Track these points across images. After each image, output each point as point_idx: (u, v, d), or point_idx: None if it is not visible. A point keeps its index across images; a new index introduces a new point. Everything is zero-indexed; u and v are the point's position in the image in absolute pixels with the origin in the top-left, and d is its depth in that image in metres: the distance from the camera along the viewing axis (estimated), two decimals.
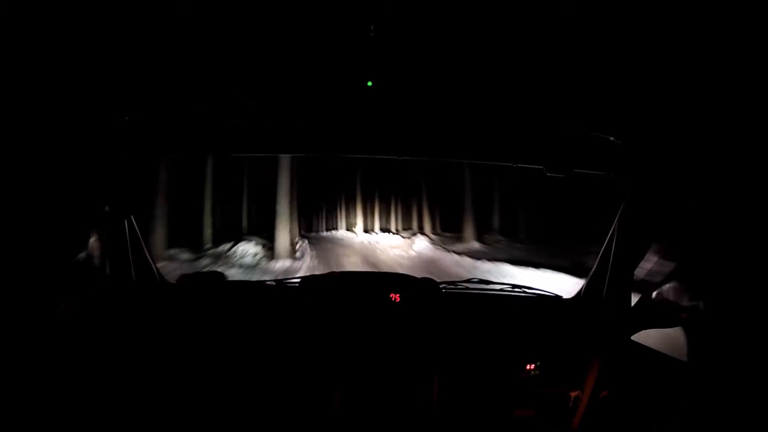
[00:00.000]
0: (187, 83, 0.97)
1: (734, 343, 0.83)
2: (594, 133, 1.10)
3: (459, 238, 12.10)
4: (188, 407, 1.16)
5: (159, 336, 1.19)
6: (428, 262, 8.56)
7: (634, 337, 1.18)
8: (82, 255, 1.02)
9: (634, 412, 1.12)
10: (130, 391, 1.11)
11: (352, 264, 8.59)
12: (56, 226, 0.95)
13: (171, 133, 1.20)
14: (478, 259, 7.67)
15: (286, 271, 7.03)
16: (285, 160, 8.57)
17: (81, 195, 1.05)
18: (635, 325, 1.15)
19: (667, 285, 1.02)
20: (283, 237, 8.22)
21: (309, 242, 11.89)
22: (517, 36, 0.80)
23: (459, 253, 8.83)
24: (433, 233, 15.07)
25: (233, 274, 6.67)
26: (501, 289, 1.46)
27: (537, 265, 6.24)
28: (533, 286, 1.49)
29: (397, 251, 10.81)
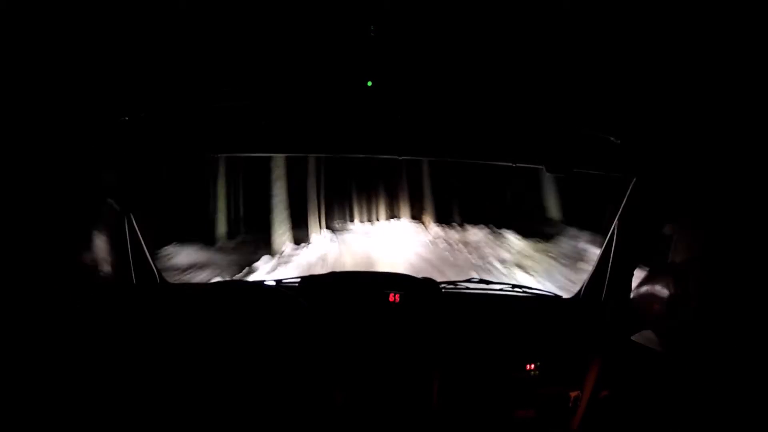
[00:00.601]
0: (187, 83, 0.97)
1: (734, 343, 0.83)
2: (594, 133, 1.10)
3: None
4: (189, 407, 1.16)
5: (159, 336, 1.19)
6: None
7: (634, 337, 1.18)
8: (81, 255, 1.02)
9: (634, 412, 1.12)
10: (130, 392, 1.11)
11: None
12: (56, 226, 0.95)
13: (171, 133, 1.20)
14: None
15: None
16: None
17: (81, 195, 1.05)
18: (635, 325, 1.15)
19: (667, 285, 1.02)
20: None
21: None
22: (517, 36, 0.80)
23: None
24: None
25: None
26: (501, 289, 1.46)
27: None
28: (533, 286, 1.49)
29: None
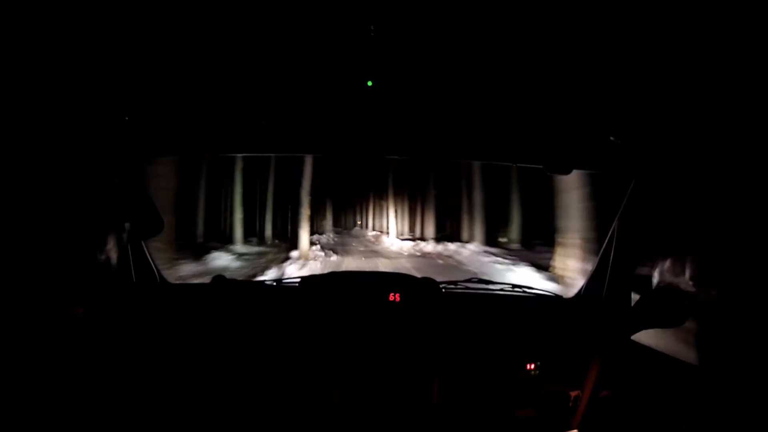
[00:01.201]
0: (187, 83, 0.97)
1: (735, 343, 0.83)
2: (594, 133, 1.10)
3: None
4: (189, 407, 1.16)
5: (159, 336, 1.19)
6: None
7: (634, 337, 1.18)
8: (81, 255, 1.02)
9: (633, 412, 1.12)
10: (131, 392, 1.11)
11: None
12: (56, 226, 0.95)
13: (171, 133, 1.20)
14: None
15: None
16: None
17: (81, 195, 1.05)
18: (635, 325, 1.15)
19: (667, 284, 1.02)
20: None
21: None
22: (517, 36, 0.80)
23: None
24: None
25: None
26: (501, 289, 1.46)
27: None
28: (533, 286, 1.49)
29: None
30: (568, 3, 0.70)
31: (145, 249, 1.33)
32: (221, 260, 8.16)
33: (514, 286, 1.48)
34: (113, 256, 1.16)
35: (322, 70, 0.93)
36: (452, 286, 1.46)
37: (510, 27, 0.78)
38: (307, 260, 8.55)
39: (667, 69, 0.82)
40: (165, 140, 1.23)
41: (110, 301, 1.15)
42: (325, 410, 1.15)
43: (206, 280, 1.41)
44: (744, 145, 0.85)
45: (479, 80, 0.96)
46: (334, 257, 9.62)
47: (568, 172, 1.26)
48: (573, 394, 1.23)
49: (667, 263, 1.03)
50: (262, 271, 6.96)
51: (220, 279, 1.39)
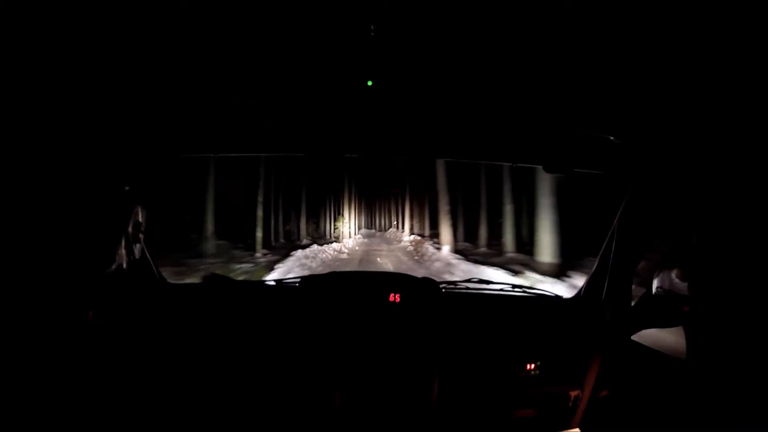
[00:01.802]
0: (187, 83, 0.97)
1: (734, 343, 0.83)
2: (594, 133, 1.10)
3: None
4: (189, 407, 1.16)
5: (158, 336, 1.19)
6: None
7: (634, 337, 1.18)
8: (81, 255, 1.02)
9: (634, 412, 1.12)
10: (131, 391, 1.11)
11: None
12: (56, 227, 0.95)
13: (171, 134, 1.20)
14: None
15: None
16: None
17: (81, 195, 1.05)
18: (635, 325, 1.15)
19: (667, 285, 1.02)
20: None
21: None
22: (517, 36, 0.80)
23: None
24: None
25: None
26: (501, 289, 1.46)
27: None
28: (533, 286, 1.49)
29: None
30: (568, 3, 0.69)
31: (145, 249, 1.33)
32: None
33: (514, 286, 1.48)
34: (114, 256, 1.16)
35: (323, 70, 0.93)
36: (452, 286, 1.46)
37: (510, 27, 0.78)
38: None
39: (667, 69, 0.82)
40: (165, 140, 1.23)
41: (111, 301, 1.15)
42: (324, 410, 1.15)
43: (206, 279, 1.41)
44: (743, 145, 0.85)
45: (479, 80, 0.96)
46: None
47: (568, 172, 1.26)
48: (573, 393, 1.23)
49: (667, 263, 1.03)
50: None
51: (220, 279, 1.39)
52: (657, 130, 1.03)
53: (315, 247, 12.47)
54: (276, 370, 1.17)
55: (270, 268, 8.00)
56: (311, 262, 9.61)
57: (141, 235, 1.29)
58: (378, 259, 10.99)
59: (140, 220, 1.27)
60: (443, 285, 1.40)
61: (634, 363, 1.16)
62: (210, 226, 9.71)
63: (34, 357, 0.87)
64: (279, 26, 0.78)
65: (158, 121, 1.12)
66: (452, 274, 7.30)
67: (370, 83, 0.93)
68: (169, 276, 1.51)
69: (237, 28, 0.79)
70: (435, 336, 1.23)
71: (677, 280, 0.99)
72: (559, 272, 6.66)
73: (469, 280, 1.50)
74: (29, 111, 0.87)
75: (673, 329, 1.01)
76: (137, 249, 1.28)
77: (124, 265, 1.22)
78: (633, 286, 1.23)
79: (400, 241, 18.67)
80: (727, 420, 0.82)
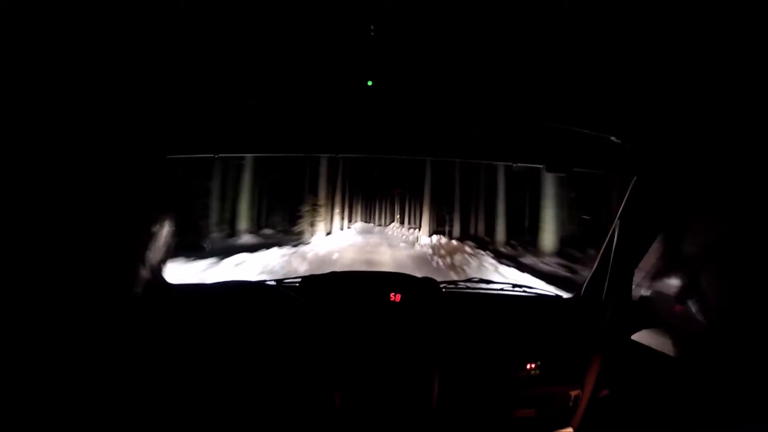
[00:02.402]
0: (187, 83, 0.97)
1: (734, 343, 0.83)
2: (594, 133, 1.10)
3: None
4: (190, 407, 1.16)
5: (160, 336, 1.20)
6: None
7: (634, 337, 1.18)
8: (82, 256, 1.03)
9: (634, 412, 1.12)
10: (133, 392, 1.11)
11: None
12: (56, 227, 0.95)
13: (171, 134, 1.20)
14: None
15: None
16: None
17: (81, 195, 1.05)
18: (635, 325, 1.15)
19: (668, 284, 1.02)
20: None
21: None
22: (517, 35, 0.80)
23: None
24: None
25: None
26: (501, 289, 1.46)
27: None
28: (533, 286, 1.49)
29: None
30: (569, 2, 0.69)
31: (145, 249, 1.33)
32: None
33: (514, 285, 1.48)
34: (114, 257, 1.16)
35: (323, 70, 0.93)
36: (452, 286, 1.46)
37: (510, 26, 0.78)
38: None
39: (667, 69, 0.82)
40: (166, 140, 1.23)
41: (111, 301, 1.15)
42: (325, 411, 1.15)
43: (206, 280, 1.41)
44: (744, 144, 0.85)
45: (480, 80, 0.96)
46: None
47: (568, 171, 1.26)
48: (573, 393, 1.23)
49: (667, 263, 1.03)
50: None
51: (220, 279, 1.39)
52: (658, 130, 1.03)
53: (262, 253, 7.76)
54: (276, 370, 1.17)
55: None
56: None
57: (140, 235, 1.29)
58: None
59: (139, 220, 1.27)
60: (444, 285, 1.40)
61: (634, 363, 1.16)
62: None
63: (35, 359, 0.88)
64: (279, 26, 0.78)
65: (158, 121, 1.12)
66: None
67: (370, 83, 0.93)
68: (171, 276, 1.51)
69: (237, 28, 0.79)
70: (435, 336, 1.23)
71: (677, 280, 0.99)
72: None
73: (469, 280, 1.50)
74: (30, 111, 0.87)
75: (673, 329, 1.01)
76: (138, 249, 1.28)
77: (123, 265, 1.22)
78: (633, 286, 1.23)
79: (413, 242, 13.63)
80: (727, 420, 0.82)
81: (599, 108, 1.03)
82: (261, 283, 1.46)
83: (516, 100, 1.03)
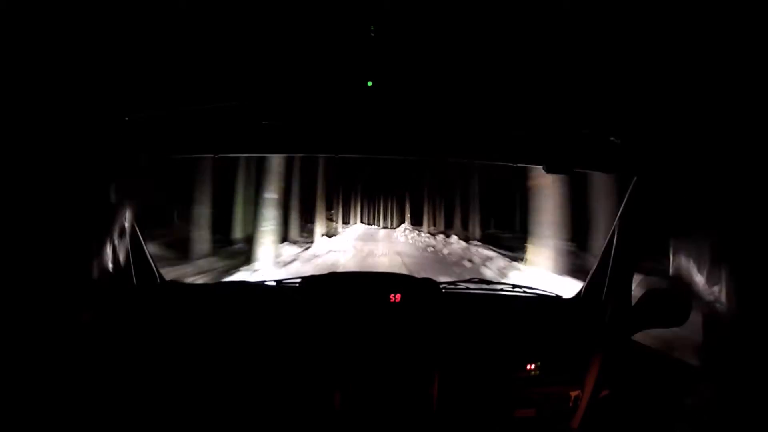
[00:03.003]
0: (187, 83, 0.97)
1: (734, 343, 0.83)
2: (594, 133, 1.10)
3: None
4: (189, 407, 1.16)
5: (159, 336, 1.19)
6: None
7: (634, 337, 1.18)
8: (81, 255, 1.02)
9: (634, 412, 1.12)
10: (131, 391, 1.11)
11: None
12: (56, 227, 0.95)
13: (171, 134, 1.20)
14: None
15: None
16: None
17: (81, 195, 1.05)
18: (635, 325, 1.15)
19: (668, 285, 1.02)
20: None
21: None
22: (517, 36, 0.80)
23: None
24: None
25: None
26: (501, 289, 1.46)
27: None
28: (533, 286, 1.49)
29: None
30: (569, 3, 0.69)
31: (145, 249, 1.33)
32: None
33: (514, 286, 1.48)
34: (114, 257, 1.16)
35: (323, 70, 0.93)
36: (452, 286, 1.46)
37: (510, 26, 0.78)
38: None
39: (667, 68, 0.82)
40: (165, 140, 1.23)
41: (111, 302, 1.15)
42: (325, 411, 1.15)
43: (206, 280, 1.41)
44: (744, 144, 0.85)
45: (480, 80, 0.96)
46: None
47: (568, 172, 1.26)
48: (573, 393, 1.23)
49: (668, 263, 1.03)
50: None
51: (220, 279, 1.39)
52: (658, 130, 1.03)
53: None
54: (276, 371, 1.17)
55: None
56: None
57: (140, 235, 1.29)
58: None
59: (138, 219, 1.27)
60: (443, 285, 1.40)
61: (634, 363, 1.16)
62: None
63: (31, 359, 0.87)
64: (279, 26, 0.78)
65: (158, 121, 1.12)
66: None
67: (370, 84, 0.93)
68: (170, 276, 1.51)
69: (237, 28, 0.79)
70: (435, 336, 1.23)
71: (678, 280, 0.99)
72: None
73: (469, 280, 1.50)
74: (31, 112, 0.87)
75: (673, 329, 1.01)
76: (136, 248, 1.28)
77: (123, 265, 1.22)
78: (633, 286, 1.23)
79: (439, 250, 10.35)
80: (728, 420, 0.82)
81: (599, 108, 1.03)
82: (261, 284, 1.46)
83: (516, 100, 1.03)
